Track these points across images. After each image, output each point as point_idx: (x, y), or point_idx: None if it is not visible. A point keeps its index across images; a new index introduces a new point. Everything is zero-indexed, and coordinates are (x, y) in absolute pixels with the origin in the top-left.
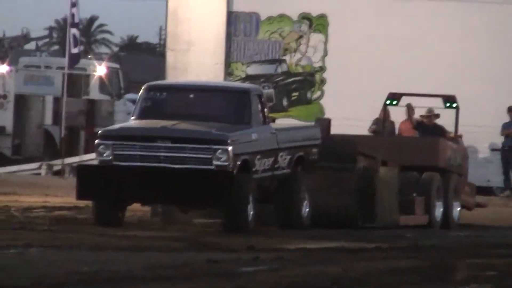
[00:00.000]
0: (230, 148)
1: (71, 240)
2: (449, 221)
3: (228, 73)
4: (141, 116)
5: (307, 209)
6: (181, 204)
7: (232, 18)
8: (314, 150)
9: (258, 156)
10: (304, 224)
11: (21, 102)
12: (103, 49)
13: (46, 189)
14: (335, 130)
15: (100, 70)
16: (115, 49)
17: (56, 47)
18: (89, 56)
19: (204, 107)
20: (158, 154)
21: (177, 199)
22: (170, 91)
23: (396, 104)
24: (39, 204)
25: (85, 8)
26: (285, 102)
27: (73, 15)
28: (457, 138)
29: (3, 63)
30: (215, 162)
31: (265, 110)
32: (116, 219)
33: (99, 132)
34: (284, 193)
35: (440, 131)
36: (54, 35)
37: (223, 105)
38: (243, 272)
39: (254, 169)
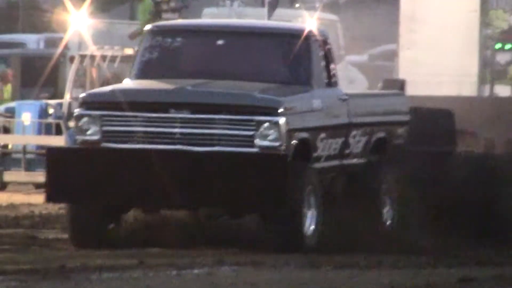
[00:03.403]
0: (282, 119)
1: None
2: None
3: (485, 23)
4: (145, 74)
5: (391, 218)
6: (206, 206)
7: None
8: (400, 130)
9: (322, 135)
10: (387, 238)
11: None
12: None
13: None
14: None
15: (312, 23)
16: None
17: None
18: (297, 5)
19: (240, 59)
20: (172, 130)
21: (199, 199)
22: (187, 35)
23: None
24: None
25: None
26: None
27: None
28: None
29: (179, 16)
30: (260, 142)
31: (332, 64)
32: (103, 235)
33: (81, 97)
34: (358, 194)
35: None
36: None
37: (269, 56)
38: None
39: (316, 155)
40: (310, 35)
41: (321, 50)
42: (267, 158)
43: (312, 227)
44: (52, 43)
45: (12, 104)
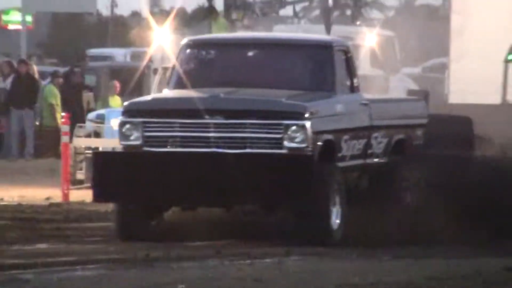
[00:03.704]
0: (308, 123)
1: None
2: None
3: None
4: (181, 84)
5: (410, 214)
6: (239, 204)
7: None
8: (419, 132)
9: (346, 137)
10: (405, 232)
11: None
12: (375, 14)
13: None
14: None
15: (371, 39)
16: (390, 13)
17: (316, 12)
18: (358, 23)
19: (268, 69)
20: (207, 134)
21: (233, 198)
22: (220, 48)
23: None
24: None
25: None
26: None
27: None
28: None
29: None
30: (288, 144)
31: (354, 72)
32: (146, 230)
33: (125, 106)
34: (380, 191)
35: None
36: None
37: (296, 65)
38: None
39: (339, 155)
40: (332, 46)
41: (343, 59)
42: (295, 159)
43: (338, 221)
44: (137, 56)
45: (102, 111)
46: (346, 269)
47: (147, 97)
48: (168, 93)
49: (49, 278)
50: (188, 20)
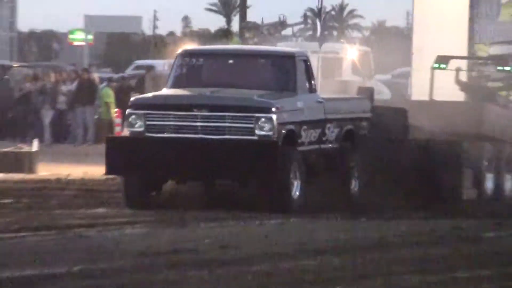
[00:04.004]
0: (274, 116)
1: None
2: (501, 195)
3: (471, 53)
4: (176, 84)
5: (357, 188)
6: (220, 179)
7: (474, 1)
8: (364, 124)
9: (304, 127)
10: (353, 203)
11: None
12: (355, 34)
13: None
14: None
15: (352, 53)
16: (366, 33)
17: (310, 32)
18: (342, 41)
19: (245, 73)
20: (194, 124)
21: (215, 174)
22: (207, 57)
23: (445, 68)
24: None
25: None
26: None
27: (321, 2)
28: (509, 104)
29: None
30: (258, 132)
31: (312, 77)
32: (147, 199)
33: (131, 100)
34: (332, 170)
35: (491, 94)
36: (309, 21)
37: (266, 71)
38: (486, 237)
39: (299, 141)
40: (295, 56)
41: (304, 67)
42: (264, 144)
43: (297, 193)
44: None
45: None
46: (333, 227)
47: (148, 94)
48: (165, 91)
49: (106, 235)
50: (211, 38)
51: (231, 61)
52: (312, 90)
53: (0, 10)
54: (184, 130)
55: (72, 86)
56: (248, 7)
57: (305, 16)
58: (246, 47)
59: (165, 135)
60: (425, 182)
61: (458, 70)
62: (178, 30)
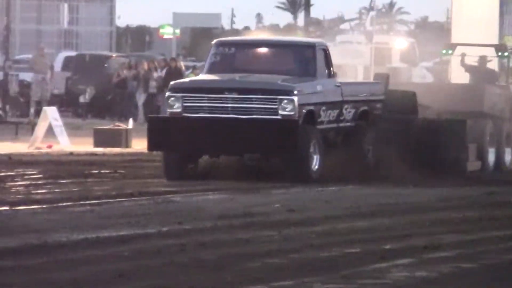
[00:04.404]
0: (295, 98)
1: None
2: (501, 167)
3: (500, 43)
4: (211, 71)
5: (371, 161)
6: (248, 153)
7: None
8: (378, 105)
9: (323, 107)
10: (370, 174)
11: (338, 71)
12: (402, 27)
13: None
14: None
15: (400, 44)
16: (411, 27)
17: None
18: (391, 33)
19: (271, 61)
20: (225, 105)
21: (244, 149)
22: (238, 46)
23: (451, 54)
24: None
25: None
26: None
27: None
28: (508, 85)
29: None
30: (281, 112)
31: (330, 64)
32: (185, 172)
33: (170, 84)
34: (349, 145)
35: (492, 76)
36: (364, 17)
37: (289, 58)
38: None
39: (319, 120)
40: (315, 46)
41: (323, 55)
42: (286, 122)
43: (317, 166)
44: None
45: None
46: (383, 193)
47: (187, 79)
48: (201, 76)
49: (190, 200)
50: (280, 32)
51: (259, 50)
52: (330, 75)
53: (101, 8)
54: (217, 110)
55: (162, 73)
56: (311, 5)
57: (360, 12)
58: (273, 38)
59: (200, 115)
60: (432, 156)
61: (463, 55)
62: (252, 25)
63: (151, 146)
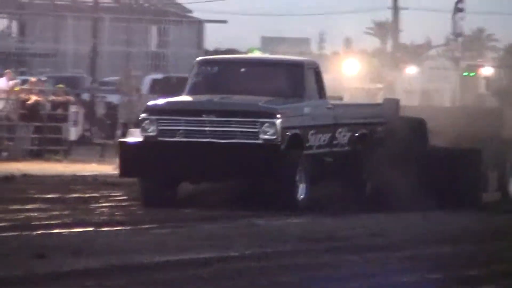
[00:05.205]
0: (278, 121)
1: None
2: None
3: None
4: (192, 91)
5: (369, 188)
6: (228, 179)
7: None
8: (379, 128)
9: (312, 131)
10: (366, 203)
11: (424, 96)
12: (491, 54)
13: None
14: None
15: (486, 71)
16: (500, 53)
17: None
18: (478, 60)
19: (256, 81)
20: (203, 128)
21: (223, 175)
22: (221, 66)
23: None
24: None
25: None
26: None
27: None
28: None
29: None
30: (262, 136)
31: (322, 84)
32: (164, 198)
33: (145, 106)
34: (345, 172)
35: None
36: (451, 43)
37: (275, 78)
38: None
39: (307, 145)
40: (303, 65)
41: (313, 75)
42: (267, 147)
43: (303, 195)
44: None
45: None
46: (464, 219)
47: (163, 100)
48: (179, 98)
49: (272, 223)
50: (368, 57)
51: (243, 70)
52: (321, 96)
53: (189, 31)
54: (194, 134)
55: None
56: (400, 31)
57: (447, 39)
58: (258, 57)
59: (176, 139)
60: (443, 187)
61: (487, 79)
62: (340, 50)
63: (123, 172)
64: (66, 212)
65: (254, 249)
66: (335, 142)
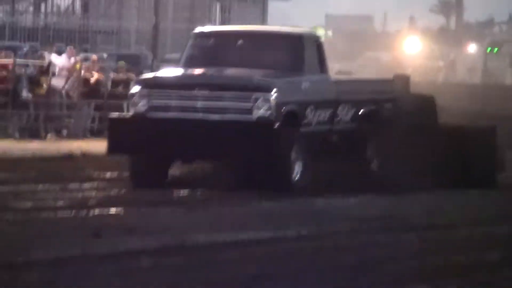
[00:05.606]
0: (273, 96)
1: None
2: None
3: None
4: (187, 64)
5: (376, 167)
6: (220, 159)
7: None
8: (388, 105)
9: (311, 107)
10: (372, 183)
11: (485, 74)
12: None
13: None
14: None
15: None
16: None
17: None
18: None
19: (253, 54)
20: (195, 103)
21: (215, 154)
22: (218, 38)
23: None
24: None
25: None
26: None
27: None
28: None
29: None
30: (256, 112)
31: (323, 58)
32: (154, 179)
33: (135, 79)
34: (348, 149)
35: None
36: None
37: (274, 51)
38: None
39: (304, 121)
40: (302, 37)
41: (315, 48)
42: (260, 125)
43: (299, 175)
44: None
45: None
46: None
47: (153, 73)
48: (171, 70)
49: (330, 202)
50: (432, 35)
51: (240, 42)
52: (323, 71)
53: (253, 8)
54: (185, 109)
55: None
56: (464, 9)
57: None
58: (256, 28)
59: (167, 114)
60: (456, 166)
61: None
62: (404, 28)
63: (111, 148)
64: (123, 191)
65: (311, 228)
66: (336, 119)
